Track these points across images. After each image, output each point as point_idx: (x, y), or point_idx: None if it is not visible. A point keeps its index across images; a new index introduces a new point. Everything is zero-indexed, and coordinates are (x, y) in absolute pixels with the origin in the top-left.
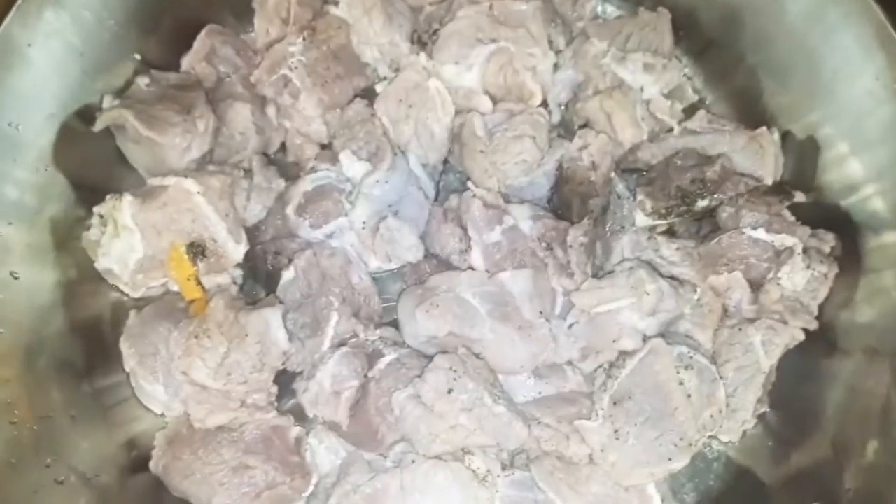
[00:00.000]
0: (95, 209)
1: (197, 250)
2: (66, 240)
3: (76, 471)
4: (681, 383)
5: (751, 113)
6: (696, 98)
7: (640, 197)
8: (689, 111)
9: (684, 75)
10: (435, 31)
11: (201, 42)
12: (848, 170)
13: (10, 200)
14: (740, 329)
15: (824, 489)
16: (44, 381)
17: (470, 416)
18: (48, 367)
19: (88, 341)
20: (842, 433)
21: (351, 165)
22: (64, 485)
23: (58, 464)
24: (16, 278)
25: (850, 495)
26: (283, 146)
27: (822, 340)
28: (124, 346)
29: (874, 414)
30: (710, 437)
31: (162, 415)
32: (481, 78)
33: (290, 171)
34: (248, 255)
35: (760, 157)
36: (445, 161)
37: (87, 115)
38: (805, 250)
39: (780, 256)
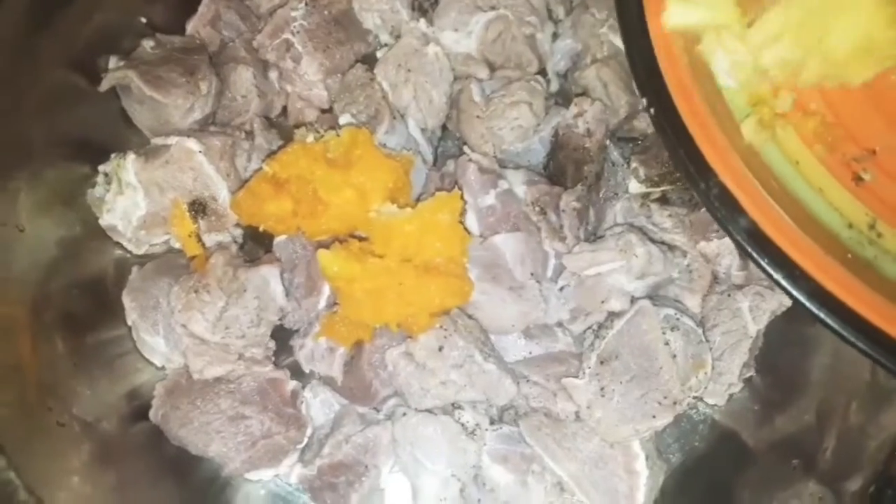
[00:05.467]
0: (100, 167)
1: (198, 208)
2: (72, 197)
3: (78, 418)
4: (666, 343)
5: None
6: None
7: (633, 164)
8: None
9: None
10: None
11: (206, 6)
12: None
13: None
14: (729, 295)
15: (805, 449)
16: (49, 332)
17: (460, 372)
18: (53, 319)
19: (92, 295)
20: (826, 398)
21: None
22: (66, 427)
23: (60, 409)
24: (21, 231)
25: (826, 454)
26: (284, 110)
27: None
28: (126, 300)
29: (859, 379)
30: (696, 399)
31: (162, 367)
32: (480, 45)
33: (291, 135)
34: None
35: None
36: (444, 128)
37: (93, 75)
38: None
39: None
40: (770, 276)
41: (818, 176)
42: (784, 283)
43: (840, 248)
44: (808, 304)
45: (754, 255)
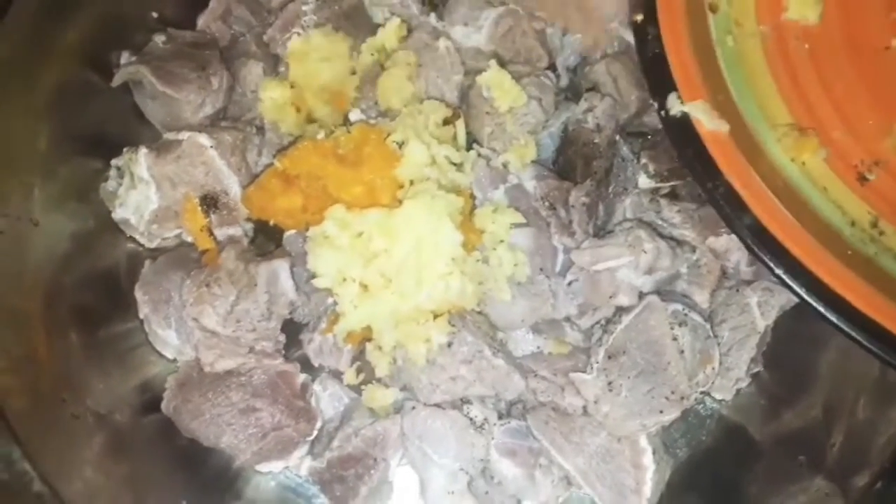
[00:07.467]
0: (113, 162)
1: (210, 202)
2: (85, 191)
3: (91, 410)
4: (674, 339)
5: None
6: None
7: (643, 160)
8: None
9: None
10: None
11: (217, 1)
12: None
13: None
14: (737, 290)
15: (812, 445)
16: (63, 325)
17: (470, 367)
18: (67, 312)
19: (105, 289)
20: (834, 394)
21: None
22: (80, 419)
23: (74, 401)
24: (35, 224)
25: (833, 449)
26: None
27: None
28: (139, 293)
29: (866, 375)
30: (703, 394)
31: (174, 360)
32: (490, 39)
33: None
34: None
35: None
36: None
37: (106, 71)
38: None
39: None
40: (771, 270)
41: (823, 176)
42: (785, 277)
43: (841, 244)
44: (806, 297)
45: (756, 250)
